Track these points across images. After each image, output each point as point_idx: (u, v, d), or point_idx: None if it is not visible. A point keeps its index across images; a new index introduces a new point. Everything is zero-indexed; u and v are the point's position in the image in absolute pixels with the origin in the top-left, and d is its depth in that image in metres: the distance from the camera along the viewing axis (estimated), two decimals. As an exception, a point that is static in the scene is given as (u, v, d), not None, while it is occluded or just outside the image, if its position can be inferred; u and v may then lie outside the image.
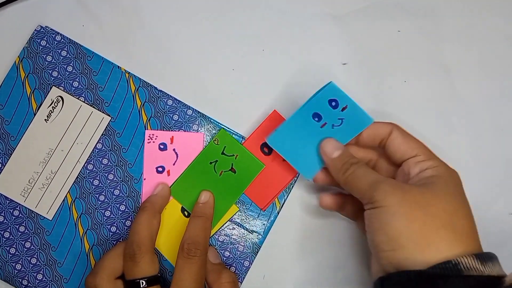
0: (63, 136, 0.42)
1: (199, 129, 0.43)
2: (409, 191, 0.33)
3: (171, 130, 0.43)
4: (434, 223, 0.31)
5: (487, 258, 0.31)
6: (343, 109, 0.38)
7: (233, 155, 0.42)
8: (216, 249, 0.42)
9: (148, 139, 0.42)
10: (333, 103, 0.38)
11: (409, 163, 0.36)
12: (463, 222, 0.33)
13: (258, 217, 0.43)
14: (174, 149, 0.43)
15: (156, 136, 0.43)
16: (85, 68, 0.43)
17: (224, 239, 0.43)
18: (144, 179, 0.42)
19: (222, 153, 0.42)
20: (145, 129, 0.43)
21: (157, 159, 0.42)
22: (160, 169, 0.42)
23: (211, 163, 0.42)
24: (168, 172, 0.42)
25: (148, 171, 0.42)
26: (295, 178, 0.43)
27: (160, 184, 0.42)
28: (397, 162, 0.38)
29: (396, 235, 0.31)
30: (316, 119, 0.38)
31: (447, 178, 0.34)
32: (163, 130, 0.43)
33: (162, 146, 0.43)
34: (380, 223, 0.32)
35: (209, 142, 0.43)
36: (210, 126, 0.43)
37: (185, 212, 0.42)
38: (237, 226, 0.43)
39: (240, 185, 0.42)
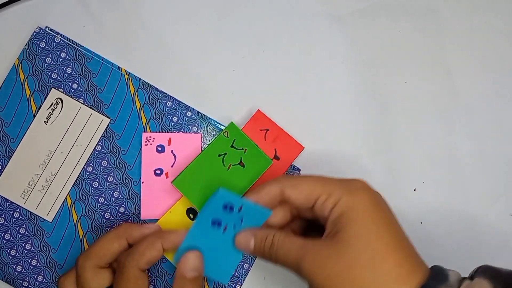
0: (63, 138, 0.42)
1: (199, 130, 0.43)
2: (327, 257, 0.30)
3: (170, 132, 0.43)
4: (360, 282, 0.30)
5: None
6: (239, 210, 0.36)
7: (242, 149, 0.42)
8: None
9: (146, 142, 0.42)
10: (229, 207, 0.37)
11: (318, 210, 0.33)
12: (388, 266, 0.30)
13: (258, 219, 0.43)
14: (172, 151, 0.42)
15: (154, 138, 0.42)
16: (84, 70, 0.43)
17: (223, 241, 0.43)
18: (142, 182, 0.42)
19: (232, 146, 0.41)
20: (144, 131, 0.42)
21: (155, 162, 0.42)
22: (158, 171, 0.42)
23: (219, 155, 0.41)
24: (167, 174, 0.42)
25: (146, 174, 0.42)
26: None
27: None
28: (312, 213, 0.34)
29: None
30: (217, 225, 0.37)
31: (353, 214, 0.31)
32: (162, 132, 0.43)
33: (159, 148, 0.42)
34: None
35: (218, 134, 0.42)
36: (209, 128, 0.43)
37: (190, 215, 0.42)
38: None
39: (248, 180, 0.41)
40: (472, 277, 0.31)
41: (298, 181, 0.34)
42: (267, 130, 0.43)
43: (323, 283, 0.30)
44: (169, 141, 0.42)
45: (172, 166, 0.42)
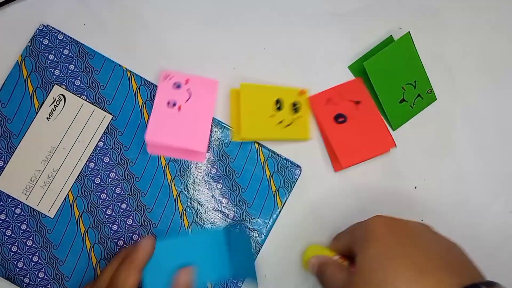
0: (65, 135, 0.43)
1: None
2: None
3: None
4: None
5: None
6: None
7: None
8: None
9: (164, 78, 0.42)
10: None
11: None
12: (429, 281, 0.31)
13: (259, 216, 0.43)
14: (188, 89, 0.42)
15: (172, 76, 0.42)
16: (87, 67, 0.43)
17: (225, 238, 0.43)
18: (154, 109, 0.42)
19: None
20: (146, 128, 0.43)
21: (170, 95, 0.42)
22: (172, 103, 0.42)
23: None
24: (179, 107, 0.42)
25: (158, 106, 0.42)
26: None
27: (146, 239, 0.38)
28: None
29: None
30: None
31: (370, 266, 0.34)
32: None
33: (176, 85, 0.42)
34: None
35: None
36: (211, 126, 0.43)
37: (278, 105, 0.43)
38: (238, 225, 0.43)
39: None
40: None
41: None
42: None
43: None
44: (187, 81, 0.42)
45: (186, 102, 0.42)
